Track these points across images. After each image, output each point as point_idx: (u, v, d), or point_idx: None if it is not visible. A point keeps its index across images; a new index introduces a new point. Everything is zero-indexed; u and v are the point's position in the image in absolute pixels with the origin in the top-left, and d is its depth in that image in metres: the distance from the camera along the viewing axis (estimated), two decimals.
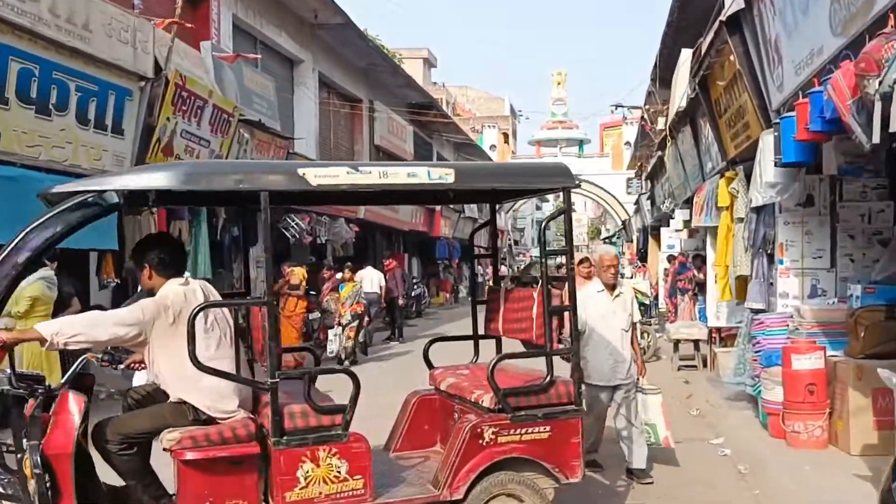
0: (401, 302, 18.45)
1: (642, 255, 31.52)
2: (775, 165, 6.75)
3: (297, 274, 13.49)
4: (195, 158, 12.22)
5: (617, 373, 6.20)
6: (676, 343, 12.41)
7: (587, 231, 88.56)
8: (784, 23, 6.45)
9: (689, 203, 15.56)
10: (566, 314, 4.72)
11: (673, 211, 16.82)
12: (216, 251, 14.61)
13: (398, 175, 4.32)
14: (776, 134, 6.58)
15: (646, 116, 23.84)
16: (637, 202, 33.10)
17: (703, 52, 9.45)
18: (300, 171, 4.20)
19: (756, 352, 7.48)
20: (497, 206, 5.74)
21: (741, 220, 8.88)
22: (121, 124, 10.49)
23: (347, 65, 22.24)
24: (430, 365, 5.57)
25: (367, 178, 4.24)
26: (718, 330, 12.00)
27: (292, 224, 16.41)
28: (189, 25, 11.66)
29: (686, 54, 14.24)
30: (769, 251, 8.00)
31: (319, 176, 4.18)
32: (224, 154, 13.10)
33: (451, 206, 33.41)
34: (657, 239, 28.37)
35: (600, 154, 53.29)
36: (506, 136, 53.78)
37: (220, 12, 15.05)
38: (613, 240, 53.30)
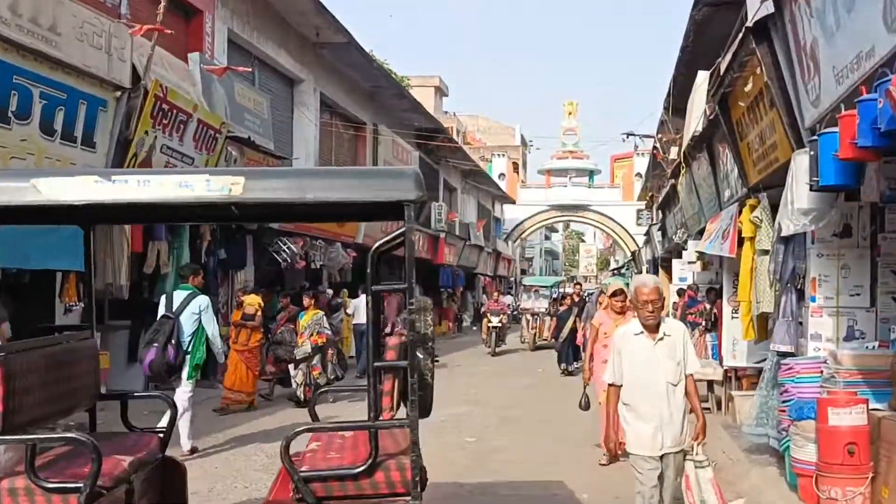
0: (387, 329, 16.97)
1: None
2: (811, 189, 5.88)
3: (252, 302, 11.94)
4: None
5: (663, 440, 4.91)
6: None
7: (596, 262, 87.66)
8: (823, 25, 5.62)
9: (703, 234, 14.71)
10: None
11: (685, 242, 15.93)
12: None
13: (165, 186, 3.42)
14: (812, 153, 5.73)
15: (658, 146, 23.14)
16: (647, 233, 32.21)
17: (723, 68, 8.63)
18: (32, 180, 3.39)
19: (784, 401, 6.54)
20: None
21: (765, 252, 7.99)
22: (93, 136, 9.74)
23: (351, 86, 21.54)
24: (315, 419, 4.59)
25: (120, 191, 3.37)
26: (734, 370, 11.05)
27: (284, 248, 15.57)
28: (169, 31, 10.91)
29: (703, 76, 13.45)
30: (799, 287, 7.09)
31: (55, 188, 3.35)
32: None
33: (457, 234, 32.75)
34: (668, 271, 27.49)
35: (611, 185, 52.47)
36: (515, 165, 53.10)
37: (215, 26, 14.36)
38: (622, 271, 52.38)
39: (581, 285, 19.15)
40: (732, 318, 10.68)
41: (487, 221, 42.37)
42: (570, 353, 16.24)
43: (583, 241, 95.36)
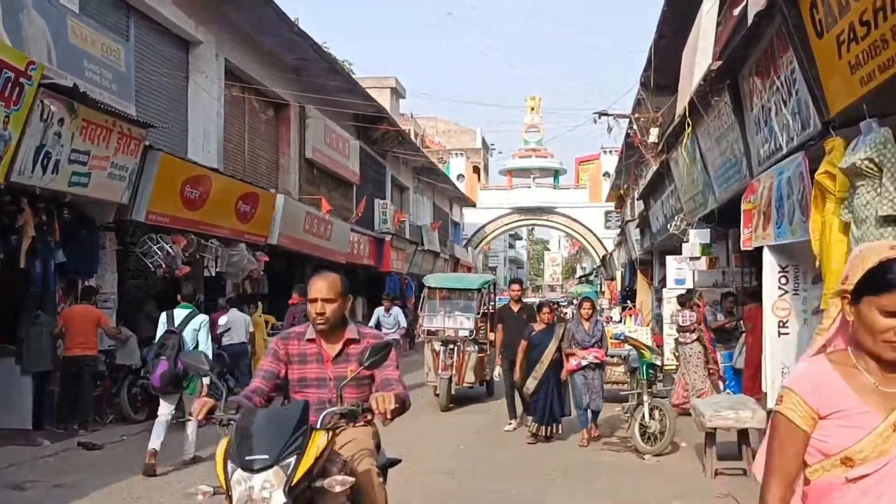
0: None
1: (628, 294, 27.02)
2: None
3: None
4: None
5: None
6: (711, 434, 7.81)
7: (561, 270, 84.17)
8: None
9: (710, 220, 11.10)
10: None
11: (684, 232, 12.28)
12: (22, 286, 9.90)
13: None
14: None
15: (635, 127, 19.78)
16: (622, 232, 28.74)
17: None
18: None
19: None
20: None
21: (892, 220, 4.36)
22: None
23: (269, 57, 17.63)
24: None
25: None
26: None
27: (155, 248, 11.56)
28: None
29: (711, 1, 10.04)
30: None
31: None
32: (15, 134, 8.43)
33: (407, 237, 28.79)
34: (647, 274, 23.97)
35: (576, 185, 49.13)
36: (476, 168, 49.56)
37: None
38: (591, 278, 49.03)
39: (557, 306, 11.41)
40: (780, 333, 7.07)
41: (444, 225, 38.63)
42: (556, 404, 9.59)
43: (547, 248, 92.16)
